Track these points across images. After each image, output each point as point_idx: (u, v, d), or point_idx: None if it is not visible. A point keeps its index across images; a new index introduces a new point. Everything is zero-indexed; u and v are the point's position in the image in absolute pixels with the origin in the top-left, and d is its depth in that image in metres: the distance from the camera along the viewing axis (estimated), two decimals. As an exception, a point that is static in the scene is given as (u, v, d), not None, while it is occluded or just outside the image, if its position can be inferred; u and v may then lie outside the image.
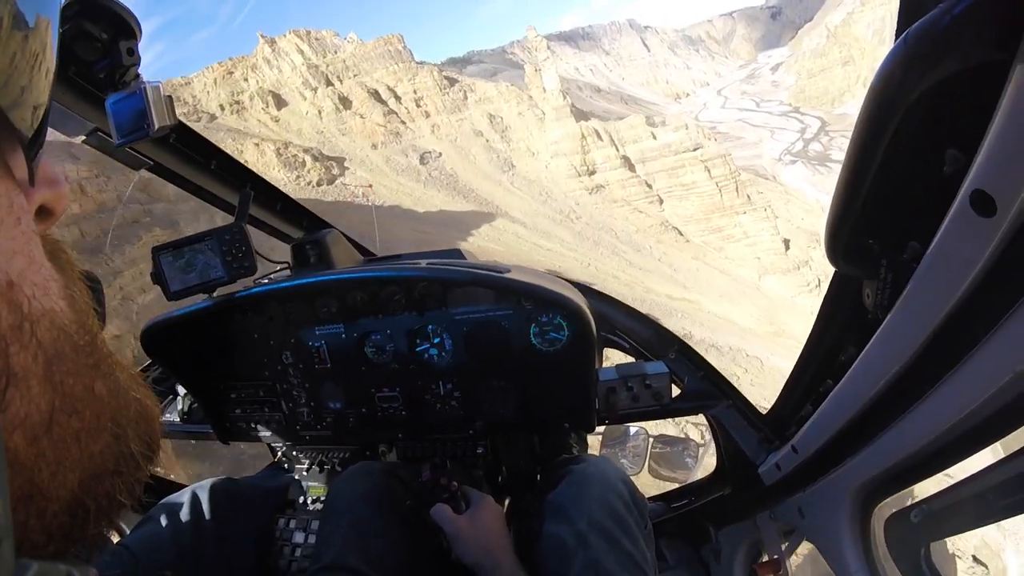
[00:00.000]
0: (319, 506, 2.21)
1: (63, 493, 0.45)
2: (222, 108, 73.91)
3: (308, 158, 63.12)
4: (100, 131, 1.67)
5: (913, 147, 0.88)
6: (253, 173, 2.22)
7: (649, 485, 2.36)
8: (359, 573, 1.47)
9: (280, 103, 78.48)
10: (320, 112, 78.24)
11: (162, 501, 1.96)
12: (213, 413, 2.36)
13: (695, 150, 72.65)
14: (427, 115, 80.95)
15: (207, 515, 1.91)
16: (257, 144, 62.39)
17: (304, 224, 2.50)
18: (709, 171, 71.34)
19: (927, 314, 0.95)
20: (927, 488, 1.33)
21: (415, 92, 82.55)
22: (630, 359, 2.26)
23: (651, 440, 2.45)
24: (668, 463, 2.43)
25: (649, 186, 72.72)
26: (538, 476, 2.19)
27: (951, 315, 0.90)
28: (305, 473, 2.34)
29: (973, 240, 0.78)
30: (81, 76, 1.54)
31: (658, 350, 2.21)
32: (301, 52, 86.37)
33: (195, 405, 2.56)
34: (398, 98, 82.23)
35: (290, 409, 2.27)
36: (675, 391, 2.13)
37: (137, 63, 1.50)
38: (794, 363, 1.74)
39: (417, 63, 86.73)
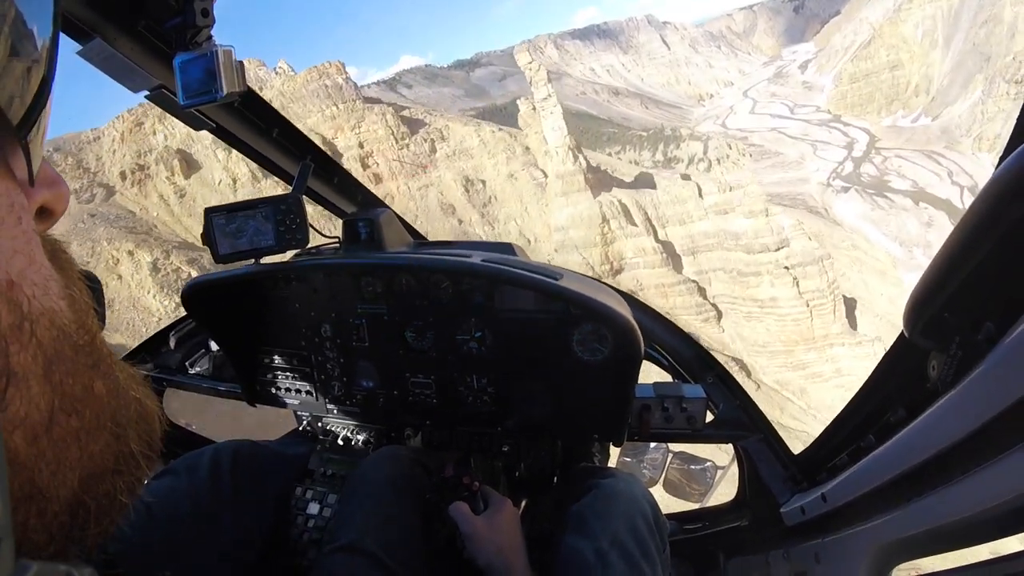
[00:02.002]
0: (338, 480, 2.20)
1: (63, 493, 0.45)
2: (123, 176, 57.50)
3: (194, 272, 45.46)
4: (165, 89, 1.66)
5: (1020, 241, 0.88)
6: (314, 144, 2.21)
7: (662, 500, 2.19)
8: (374, 558, 1.48)
9: (191, 166, 60.03)
10: (235, 181, 59.15)
11: (184, 456, 1.98)
12: (244, 374, 2.41)
13: (778, 250, 53.79)
14: (377, 179, 61.25)
15: (226, 476, 1.92)
16: (131, 252, 48.20)
17: (359, 200, 2.48)
18: (798, 283, 52.56)
19: (992, 397, 0.96)
20: (949, 559, 1.36)
21: (361, 145, 63.38)
22: (666, 376, 2.26)
23: (671, 456, 2.43)
24: (685, 482, 2.42)
25: (703, 293, 55.88)
26: (555, 479, 2.19)
27: (1017, 404, 0.92)
28: (328, 445, 2.34)
29: None
30: (150, 31, 1.51)
31: (697, 373, 2.21)
32: None
33: (225, 362, 2.66)
34: (337, 155, 59.51)
35: (322, 382, 2.31)
36: (708, 416, 2.10)
37: (211, 25, 1.50)
38: (838, 412, 1.76)
39: (364, 102, 66.21)
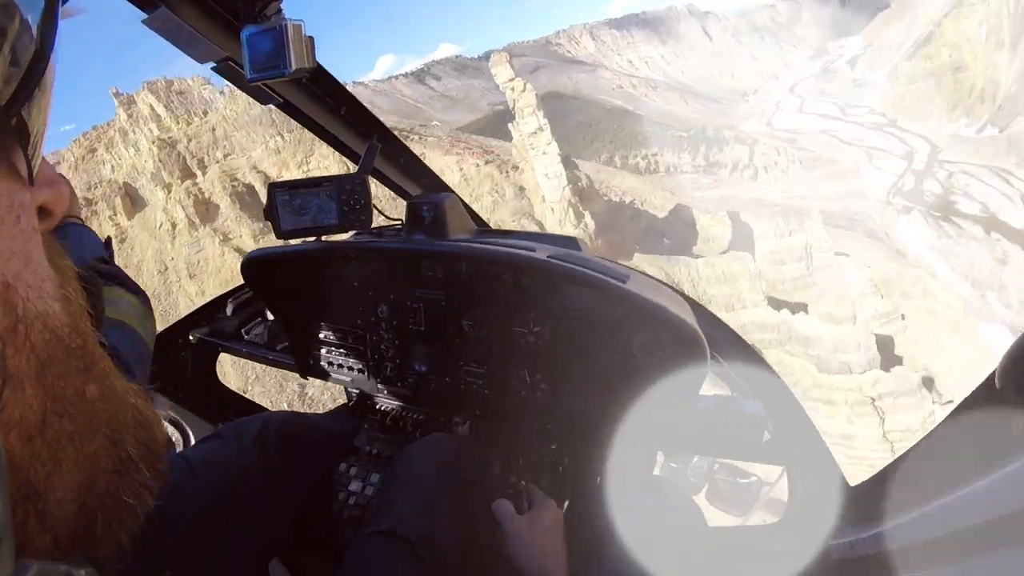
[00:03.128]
0: (382, 460, 2.24)
1: (61, 494, 0.45)
2: (67, 216, 52.03)
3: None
4: (232, 61, 1.65)
5: None
6: (382, 124, 2.20)
7: (703, 510, 2.21)
8: (411, 545, 1.49)
9: (136, 203, 54.39)
10: (174, 226, 52.26)
11: (233, 423, 2.04)
12: (298, 347, 2.48)
13: (864, 373, 40.33)
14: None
15: (272, 446, 1.96)
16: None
17: (424, 183, 2.50)
18: (884, 420, 39.49)
19: None
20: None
21: (314, 185, 54.94)
22: (725, 388, 2.23)
23: (717, 466, 2.32)
24: (728, 494, 2.30)
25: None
26: (598, 480, 2.16)
27: None
28: (375, 425, 2.38)
29: None
30: (218, 2, 1.51)
31: (757, 388, 2.14)
32: (157, 118, 58.30)
33: (279, 333, 2.71)
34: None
35: (375, 361, 2.34)
36: (764, 435, 2.08)
37: None
38: (907, 449, 1.69)
39: None
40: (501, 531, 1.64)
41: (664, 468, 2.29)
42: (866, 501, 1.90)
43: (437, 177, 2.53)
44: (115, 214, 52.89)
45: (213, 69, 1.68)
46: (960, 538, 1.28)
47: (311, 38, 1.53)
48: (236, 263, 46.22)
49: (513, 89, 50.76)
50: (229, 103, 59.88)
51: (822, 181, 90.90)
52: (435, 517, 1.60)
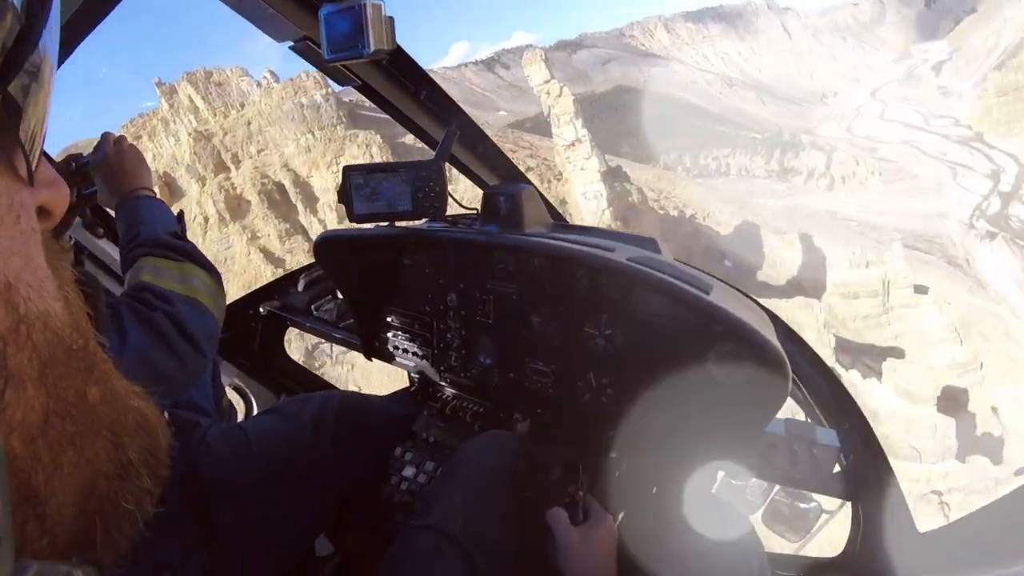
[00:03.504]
0: (439, 448, 2.22)
1: (61, 496, 0.45)
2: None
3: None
4: (309, 40, 1.64)
5: None
6: (461, 110, 2.17)
7: (758, 531, 2.12)
8: (459, 544, 1.48)
9: (174, 193, 53.02)
10: (206, 220, 51.24)
11: (294, 399, 2.12)
12: (365, 328, 2.51)
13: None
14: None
15: (330, 426, 2.00)
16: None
17: (502, 173, 2.47)
18: None
19: None
20: None
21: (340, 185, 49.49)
22: (799, 411, 2.16)
23: (777, 487, 2.21)
24: (786, 518, 2.20)
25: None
26: (655, 492, 2.11)
27: None
28: (435, 412, 2.38)
29: None
30: None
31: (833, 416, 2.05)
32: (195, 110, 57.68)
33: (347, 312, 2.76)
34: (313, 198, 51.40)
35: (440, 349, 2.34)
36: (835, 467, 1.99)
37: None
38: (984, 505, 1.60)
39: (349, 127, 53.53)
40: (553, 540, 1.60)
41: (722, 484, 2.26)
42: (934, 550, 1.85)
43: (515, 167, 2.49)
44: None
45: (291, 48, 1.69)
46: None
47: (391, 18, 1.51)
48: (262, 264, 48.88)
49: (548, 93, 45.40)
50: (264, 96, 59.08)
51: (902, 196, 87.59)
52: (487, 518, 1.61)
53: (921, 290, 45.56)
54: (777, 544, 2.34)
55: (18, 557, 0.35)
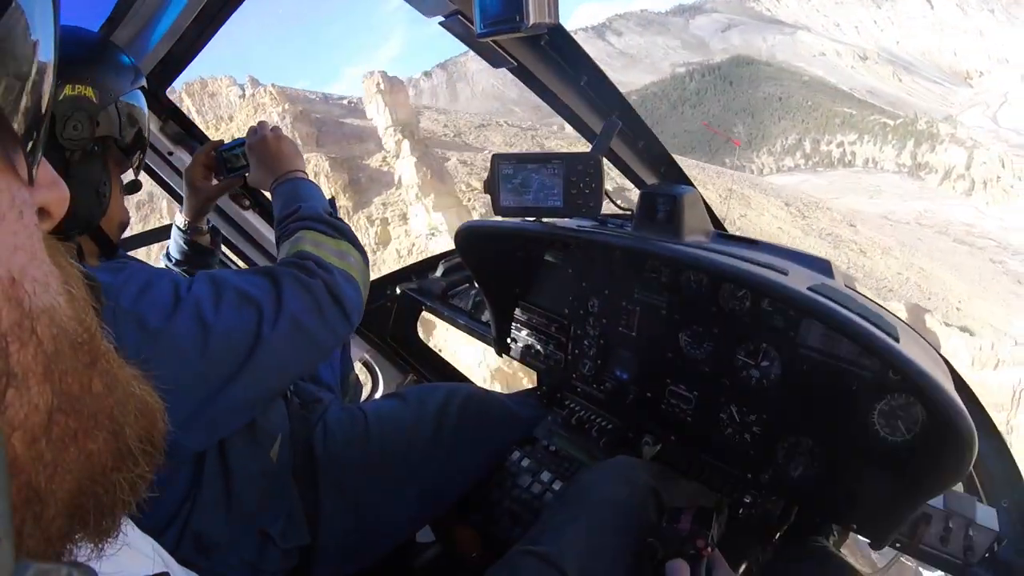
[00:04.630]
0: (558, 460, 2.15)
1: (61, 495, 0.45)
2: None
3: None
4: (462, 15, 1.51)
5: None
6: (624, 99, 1.96)
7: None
8: None
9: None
10: None
11: (418, 386, 2.13)
12: (499, 323, 2.44)
13: None
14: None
15: (452, 418, 1.99)
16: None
17: (663, 172, 2.25)
18: None
19: None
20: None
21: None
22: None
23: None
24: None
25: None
26: (776, 537, 1.90)
27: None
28: (560, 419, 2.31)
29: None
30: None
31: (994, 491, 1.74)
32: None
33: (482, 305, 2.66)
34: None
35: (574, 356, 2.24)
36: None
37: None
38: None
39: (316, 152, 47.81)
40: None
41: (861, 557, 2.08)
42: None
43: (678, 167, 2.21)
44: (161, 217, 53.06)
45: (441, 24, 1.54)
46: None
47: (557, -10, 1.34)
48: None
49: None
50: (246, 105, 57.34)
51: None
52: (601, 557, 1.50)
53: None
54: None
55: (17, 557, 0.34)
